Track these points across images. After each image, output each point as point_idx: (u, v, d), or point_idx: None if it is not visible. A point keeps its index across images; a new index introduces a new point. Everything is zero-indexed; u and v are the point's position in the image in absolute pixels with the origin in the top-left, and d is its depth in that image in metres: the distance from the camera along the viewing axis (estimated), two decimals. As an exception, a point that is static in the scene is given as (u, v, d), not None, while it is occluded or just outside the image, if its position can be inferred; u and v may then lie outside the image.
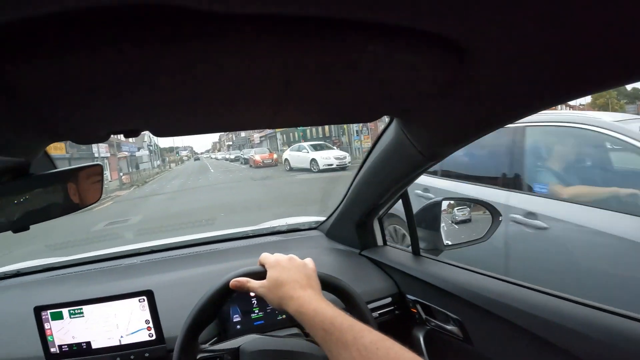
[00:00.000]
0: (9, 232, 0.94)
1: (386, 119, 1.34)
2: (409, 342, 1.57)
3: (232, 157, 53.48)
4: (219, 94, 0.76)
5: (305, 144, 23.60)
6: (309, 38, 0.59)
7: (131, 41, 0.54)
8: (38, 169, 0.91)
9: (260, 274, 1.08)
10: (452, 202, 1.78)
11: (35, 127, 0.78)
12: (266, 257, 1.11)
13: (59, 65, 0.57)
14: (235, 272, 1.14)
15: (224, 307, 1.43)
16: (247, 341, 1.18)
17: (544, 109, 0.88)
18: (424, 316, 1.57)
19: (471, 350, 1.38)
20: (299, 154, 22.47)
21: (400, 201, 1.70)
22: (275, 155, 30.86)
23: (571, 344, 1.05)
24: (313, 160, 20.92)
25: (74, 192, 0.96)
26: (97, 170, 1.00)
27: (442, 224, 1.68)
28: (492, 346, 1.32)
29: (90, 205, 1.00)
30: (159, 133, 0.95)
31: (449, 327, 1.45)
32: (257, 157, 30.49)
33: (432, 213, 1.69)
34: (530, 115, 0.93)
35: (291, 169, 22.53)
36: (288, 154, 24.34)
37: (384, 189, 1.61)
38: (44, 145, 0.92)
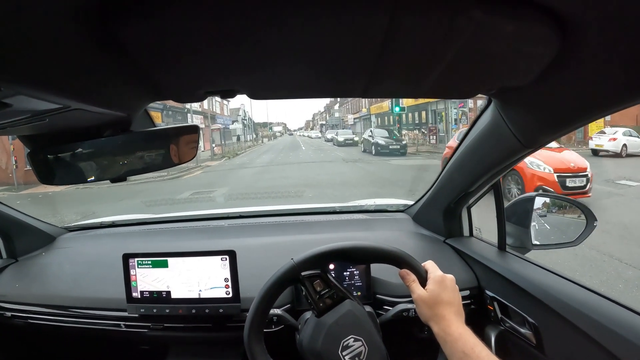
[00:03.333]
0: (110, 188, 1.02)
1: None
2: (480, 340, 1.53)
3: (341, 139, 33.29)
4: (314, 57, 0.76)
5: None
6: None
7: (228, 2, 0.58)
8: (138, 127, 0.98)
9: (420, 277, 1.15)
10: (546, 200, 1.70)
11: (139, 83, 0.83)
12: (433, 267, 1.18)
13: (163, 23, 0.61)
14: (392, 248, 1.21)
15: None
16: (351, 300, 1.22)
17: None
18: (499, 315, 1.53)
19: (542, 359, 1.33)
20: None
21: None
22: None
23: None
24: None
25: (171, 149, 1.01)
26: (193, 130, 1.05)
27: (533, 222, 1.63)
28: (564, 358, 1.26)
29: (184, 162, 1.06)
30: (254, 95, 0.96)
31: (523, 331, 1.40)
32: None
33: (523, 208, 1.64)
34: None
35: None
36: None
37: (476, 176, 1.55)
38: (145, 103, 0.97)
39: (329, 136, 45.94)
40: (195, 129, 1.05)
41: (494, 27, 0.66)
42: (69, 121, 0.84)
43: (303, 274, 1.18)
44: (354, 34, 0.67)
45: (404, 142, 23.82)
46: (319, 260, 1.20)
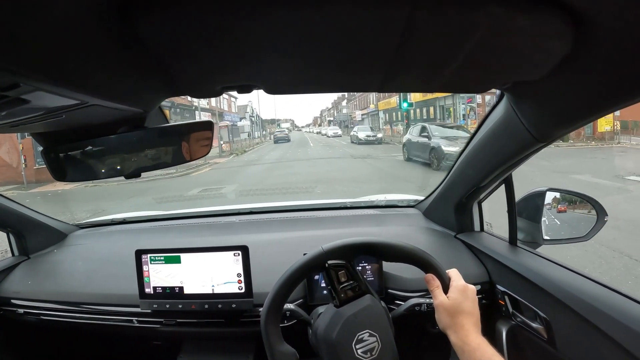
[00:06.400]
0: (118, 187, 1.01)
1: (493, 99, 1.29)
2: (491, 336, 1.52)
3: (442, 143, 13.22)
4: (332, 51, 0.75)
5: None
6: None
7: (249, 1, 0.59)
8: (152, 123, 0.98)
9: (444, 284, 1.17)
10: (557, 195, 1.69)
11: (156, 78, 0.83)
12: (457, 276, 1.19)
13: (179, 15, 0.61)
14: (422, 252, 1.22)
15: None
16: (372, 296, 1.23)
17: None
18: (510, 310, 1.53)
19: (553, 353, 1.32)
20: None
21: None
22: None
23: None
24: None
25: (185, 145, 1.01)
26: (207, 126, 1.05)
27: (544, 218, 1.62)
28: (576, 353, 1.25)
29: (198, 158, 1.06)
30: (270, 90, 0.96)
31: (534, 325, 1.40)
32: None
33: (534, 204, 1.64)
34: None
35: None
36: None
37: (488, 171, 1.54)
38: (162, 98, 0.98)
39: (362, 135, 30.04)
40: (209, 125, 1.05)
41: (510, 22, 0.66)
42: (84, 117, 0.84)
43: (329, 262, 1.19)
44: (372, 28, 0.67)
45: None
46: (348, 251, 1.21)
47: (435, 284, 1.16)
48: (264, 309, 1.18)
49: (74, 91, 0.61)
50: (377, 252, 1.25)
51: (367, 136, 30.02)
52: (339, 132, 52.09)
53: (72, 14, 0.50)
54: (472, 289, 1.16)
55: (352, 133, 33.98)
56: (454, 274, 1.20)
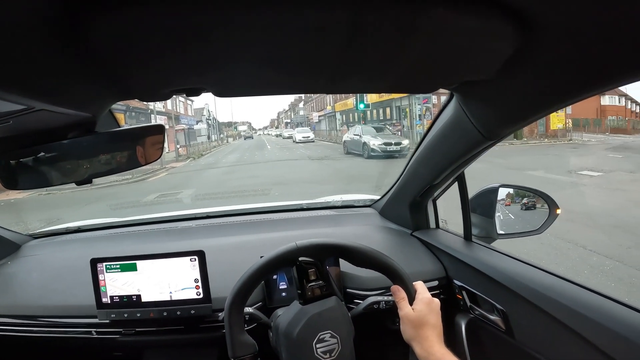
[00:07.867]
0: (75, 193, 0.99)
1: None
2: (451, 329, 1.56)
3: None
4: (278, 54, 0.76)
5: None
6: None
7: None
8: (103, 128, 0.97)
9: (410, 296, 1.17)
10: (510, 190, 1.73)
11: (104, 83, 0.82)
12: (423, 288, 1.20)
13: (127, 19, 0.60)
14: (393, 262, 1.22)
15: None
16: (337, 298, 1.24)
17: (611, 87, 0.83)
18: (468, 303, 1.55)
19: (512, 343, 1.35)
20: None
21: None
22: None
23: (620, 351, 0.99)
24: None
25: (137, 150, 1.00)
26: (158, 130, 1.04)
27: (498, 213, 1.66)
28: (533, 342, 1.28)
29: (150, 163, 1.05)
30: (219, 93, 0.97)
31: (492, 317, 1.43)
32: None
33: (487, 199, 1.67)
34: (595, 94, 0.88)
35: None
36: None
37: (440, 169, 1.57)
38: (111, 102, 0.97)
39: (376, 143, 18.30)
40: (160, 129, 1.04)
41: (454, 24, 0.67)
42: (33, 123, 0.83)
43: (301, 259, 1.20)
44: (316, 31, 0.67)
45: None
46: (321, 250, 1.23)
47: (401, 295, 1.17)
48: (229, 295, 1.17)
49: (19, 95, 0.60)
50: (349, 256, 1.25)
51: (386, 144, 17.68)
52: (311, 135, 39.71)
53: (18, 17, 0.49)
54: (437, 302, 1.17)
55: (348, 137, 21.76)
56: (420, 286, 1.20)
